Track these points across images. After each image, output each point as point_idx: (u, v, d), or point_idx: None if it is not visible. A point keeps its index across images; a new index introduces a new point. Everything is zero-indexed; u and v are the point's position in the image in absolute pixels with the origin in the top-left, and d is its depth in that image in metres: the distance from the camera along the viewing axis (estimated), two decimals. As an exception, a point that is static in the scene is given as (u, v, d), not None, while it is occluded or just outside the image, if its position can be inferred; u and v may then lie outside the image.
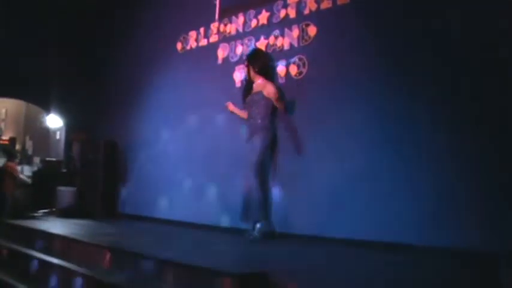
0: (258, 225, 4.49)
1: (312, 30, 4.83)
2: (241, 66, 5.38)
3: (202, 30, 6.09)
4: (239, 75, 5.44)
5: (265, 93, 4.67)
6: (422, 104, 3.90)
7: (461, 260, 3.39)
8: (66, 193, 7.09)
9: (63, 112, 8.58)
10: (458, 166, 3.65)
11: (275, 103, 4.65)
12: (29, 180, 7.92)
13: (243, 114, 4.98)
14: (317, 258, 3.63)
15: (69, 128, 8.54)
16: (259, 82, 4.79)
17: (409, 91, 4.01)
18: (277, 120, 4.80)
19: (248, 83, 4.99)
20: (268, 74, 4.89)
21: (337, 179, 4.37)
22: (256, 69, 4.82)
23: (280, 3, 5.17)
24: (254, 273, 2.61)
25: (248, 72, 4.94)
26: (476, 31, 3.65)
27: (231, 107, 5.10)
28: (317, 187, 4.50)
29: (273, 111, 4.76)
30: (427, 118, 3.87)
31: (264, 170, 4.59)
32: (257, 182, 4.50)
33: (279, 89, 4.75)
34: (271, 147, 4.69)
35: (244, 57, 5.29)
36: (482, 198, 3.50)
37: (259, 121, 4.67)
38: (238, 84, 5.42)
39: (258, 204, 4.48)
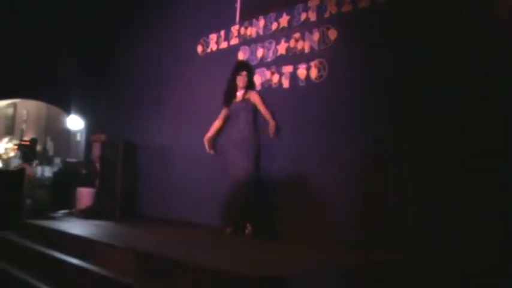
0: (248, 226, 4.76)
1: (333, 34, 4.80)
2: (262, 69, 5.40)
3: (222, 33, 6.09)
4: (259, 78, 5.42)
5: (251, 100, 4.97)
6: (445, 108, 3.85)
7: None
8: (85, 194, 7.15)
9: (84, 113, 8.67)
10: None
11: (261, 109, 4.93)
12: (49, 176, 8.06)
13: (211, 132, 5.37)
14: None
15: (90, 130, 8.62)
16: (243, 91, 5.07)
17: (428, 94, 3.96)
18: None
19: (233, 88, 5.16)
20: (252, 84, 5.21)
21: (353, 183, 4.35)
22: (250, 79, 5.16)
23: (301, 6, 5.16)
24: (273, 277, 2.59)
25: (244, 80, 5.12)
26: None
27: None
28: (336, 192, 4.48)
29: (255, 119, 5.05)
30: (446, 120, 3.83)
31: (255, 179, 4.80)
32: (250, 191, 4.73)
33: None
34: (257, 155, 4.90)
35: (243, 64, 5.37)
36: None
37: (244, 129, 4.91)
38: (258, 87, 5.40)
39: (249, 210, 4.74)
